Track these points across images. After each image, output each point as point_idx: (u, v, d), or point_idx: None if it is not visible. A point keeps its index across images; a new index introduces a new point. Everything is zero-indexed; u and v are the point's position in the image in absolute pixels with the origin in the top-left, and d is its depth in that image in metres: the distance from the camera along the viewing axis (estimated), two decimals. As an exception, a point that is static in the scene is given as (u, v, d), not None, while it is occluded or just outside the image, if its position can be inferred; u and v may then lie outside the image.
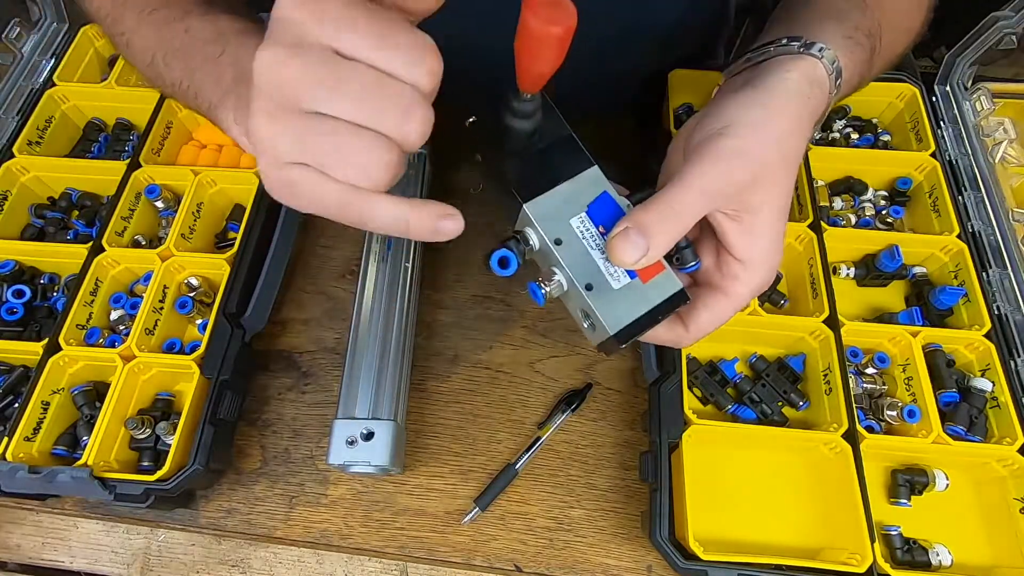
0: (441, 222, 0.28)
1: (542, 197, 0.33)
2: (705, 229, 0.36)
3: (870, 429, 0.50)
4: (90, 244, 0.54)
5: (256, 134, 0.26)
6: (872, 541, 0.43)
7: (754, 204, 0.33)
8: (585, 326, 0.33)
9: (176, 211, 0.56)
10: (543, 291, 0.32)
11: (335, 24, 0.25)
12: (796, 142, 0.34)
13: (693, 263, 0.35)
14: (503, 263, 0.32)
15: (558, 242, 0.32)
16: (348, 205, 0.27)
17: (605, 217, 0.33)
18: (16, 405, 0.48)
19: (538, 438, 0.52)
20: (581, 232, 0.33)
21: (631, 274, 0.32)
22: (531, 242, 0.33)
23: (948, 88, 0.65)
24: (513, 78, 0.29)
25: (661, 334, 0.36)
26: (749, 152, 0.32)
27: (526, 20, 0.24)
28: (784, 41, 0.36)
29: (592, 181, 0.34)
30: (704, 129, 0.34)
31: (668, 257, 0.35)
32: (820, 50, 0.35)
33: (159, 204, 0.58)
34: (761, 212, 0.33)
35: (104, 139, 0.64)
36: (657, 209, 0.31)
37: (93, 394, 0.50)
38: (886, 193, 0.62)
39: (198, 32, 0.37)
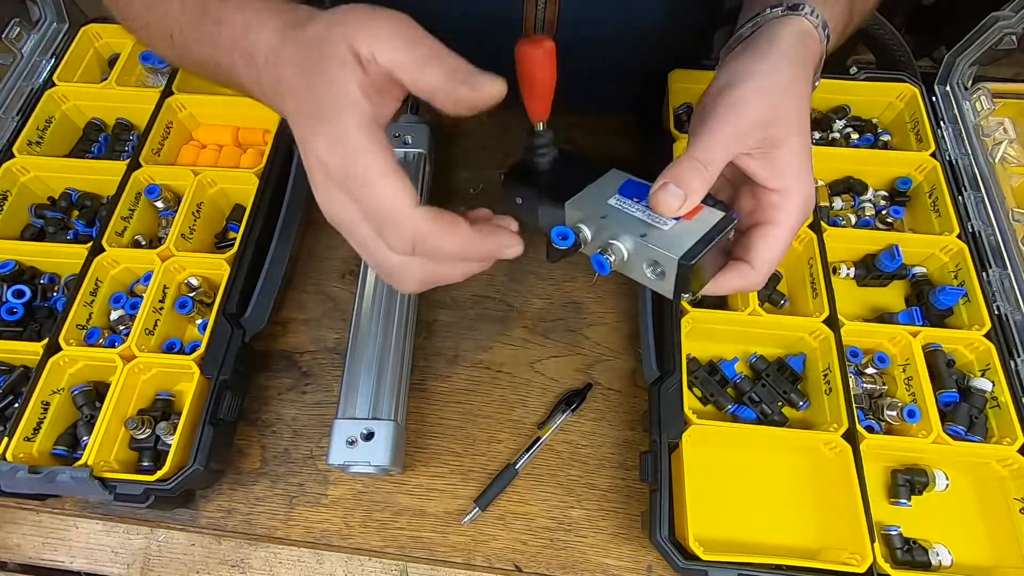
0: (505, 251, 0.36)
1: (575, 197, 0.37)
2: (740, 181, 0.40)
3: (870, 429, 0.50)
4: (90, 244, 0.54)
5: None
6: (872, 541, 0.43)
7: (775, 138, 0.36)
8: (653, 277, 0.35)
9: (176, 211, 0.56)
10: (608, 259, 0.35)
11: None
12: (800, 84, 0.37)
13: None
14: (563, 236, 0.36)
15: (604, 217, 0.36)
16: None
17: (636, 192, 0.37)
18: (16, 405, 0.48)
19: (538, 438, 0.52)
20: (620, 204, 0.36)
21: (675, 219, 0.35)
22: (583, 233, 0.37)
23: (948, 88, 0.65)
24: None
25: (730, 280, 0.38)
26: (757, 92, 0.36)
27: (519, 52, 0.32)
28: (767, 11, 0.40)
29: (615, 177, 0.38)
30: (709, 91, 0.38)
31: None
32: (800, 8, 0.39)
33: (159, 204, 0.58)
34: (784, 144, 0.36)
35: (104, 139, 0.64)
36: (687, 162, 0.35)
37: (93, 394, 0.50)
38: (886, 193, 0.62)
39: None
